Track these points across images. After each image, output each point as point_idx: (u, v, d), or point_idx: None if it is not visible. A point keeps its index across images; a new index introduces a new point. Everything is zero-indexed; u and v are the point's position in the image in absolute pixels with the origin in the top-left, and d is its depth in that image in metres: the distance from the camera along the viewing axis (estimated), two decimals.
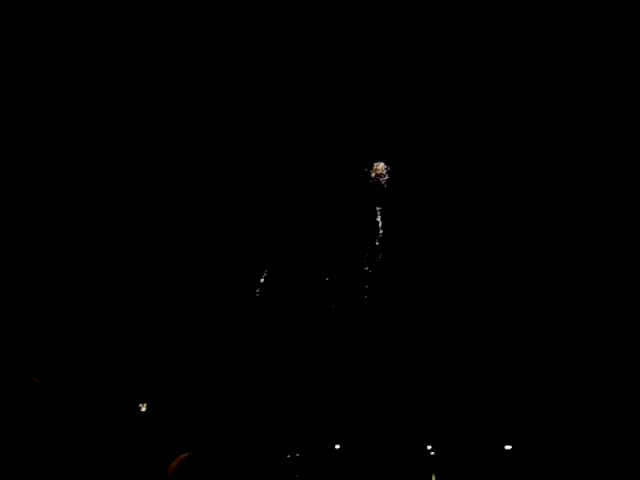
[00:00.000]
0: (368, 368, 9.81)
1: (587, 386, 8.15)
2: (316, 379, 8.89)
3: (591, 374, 8.11)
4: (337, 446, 10.75)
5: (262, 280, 7.98)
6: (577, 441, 8.18)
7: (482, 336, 9.13)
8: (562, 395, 8.73)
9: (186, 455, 1.14)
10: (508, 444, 9.56)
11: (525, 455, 9.17)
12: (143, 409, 7.15)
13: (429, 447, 10.73)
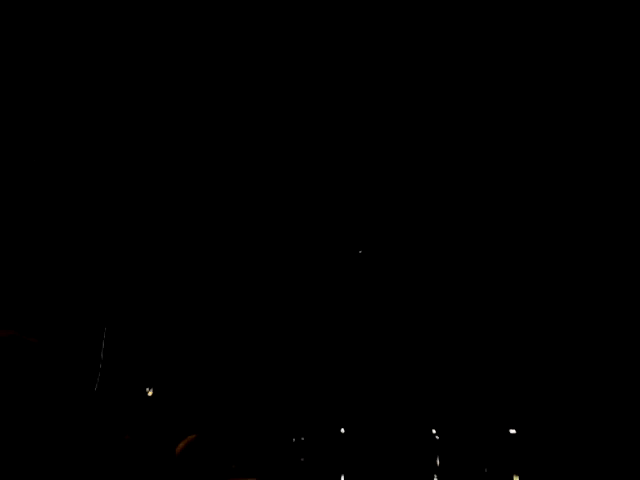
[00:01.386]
0: (373, 353, 9.89)
1: (592, 373, 8.20)
2: (321, 363, 8.99)
3: (596, 362, 8.16)
4: (342, 430, 10.88)
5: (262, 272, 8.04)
6: (582, 427, 8.25)
7: (487, 321, 9.18)
8: (567, 381, 8.79)
9: (193, 437, 1.16)
10: (513, 428, 9.64)
11: (530, 439, 9.25)
12: (150, 393, 7.24)
13: (434, 431, 10.85)
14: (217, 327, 7.19)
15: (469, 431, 8.09)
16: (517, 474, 6.85)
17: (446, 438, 8.36)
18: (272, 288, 7.44)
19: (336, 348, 7.77)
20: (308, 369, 7.77)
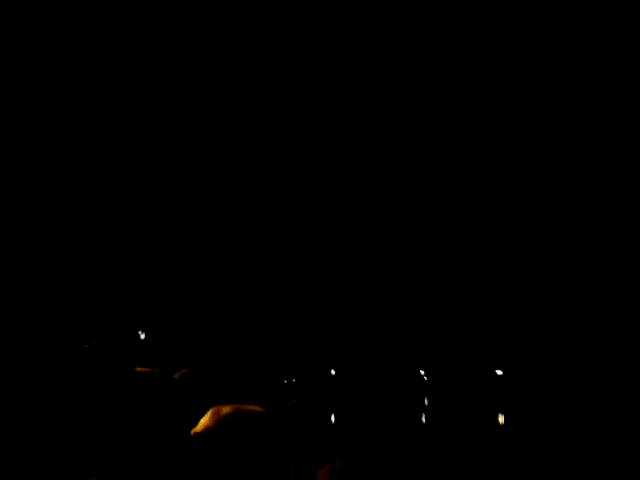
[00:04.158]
0: (362, 294, 9.97)
1: (581, 318, 8.28)
2: (310, 304, 9.07)
3: (586, 309, 8.22)
4: (332, 372, 11.07)
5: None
6: (571, 370, 8.38)
7: (477, 263, 9.21)
8: (555, 323, 8.88)
9: (186, 370, 1.18)
10: (499, 369, 9.80)
11: (516, 380, 9.42)
12: (142, 337, 7.29)
13: (422, 372, 11.04)
14: (211, 266, 7.26)
15: (456, 372, 8.27)
16: (502, 413, 7.04)
17: (434, 379, 8.54)
18: (265, 231, 7.48)
19: (325, 288, 7.86)
20: (298, 311, 7.85)
